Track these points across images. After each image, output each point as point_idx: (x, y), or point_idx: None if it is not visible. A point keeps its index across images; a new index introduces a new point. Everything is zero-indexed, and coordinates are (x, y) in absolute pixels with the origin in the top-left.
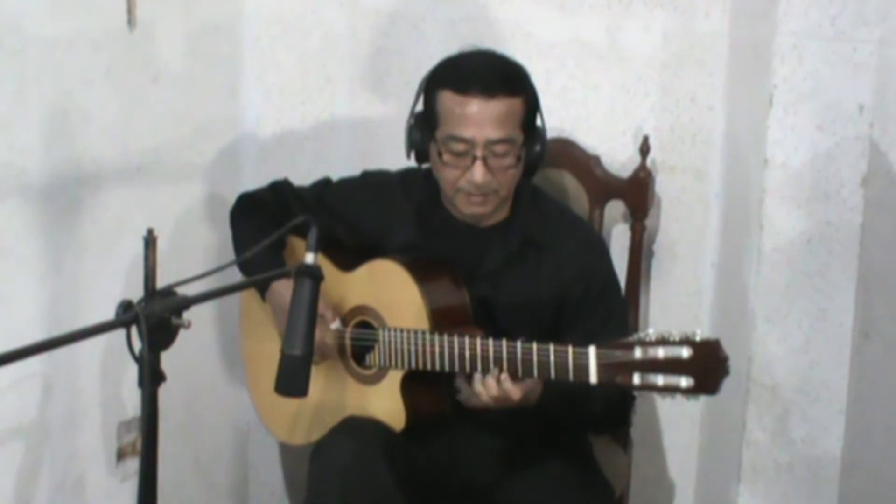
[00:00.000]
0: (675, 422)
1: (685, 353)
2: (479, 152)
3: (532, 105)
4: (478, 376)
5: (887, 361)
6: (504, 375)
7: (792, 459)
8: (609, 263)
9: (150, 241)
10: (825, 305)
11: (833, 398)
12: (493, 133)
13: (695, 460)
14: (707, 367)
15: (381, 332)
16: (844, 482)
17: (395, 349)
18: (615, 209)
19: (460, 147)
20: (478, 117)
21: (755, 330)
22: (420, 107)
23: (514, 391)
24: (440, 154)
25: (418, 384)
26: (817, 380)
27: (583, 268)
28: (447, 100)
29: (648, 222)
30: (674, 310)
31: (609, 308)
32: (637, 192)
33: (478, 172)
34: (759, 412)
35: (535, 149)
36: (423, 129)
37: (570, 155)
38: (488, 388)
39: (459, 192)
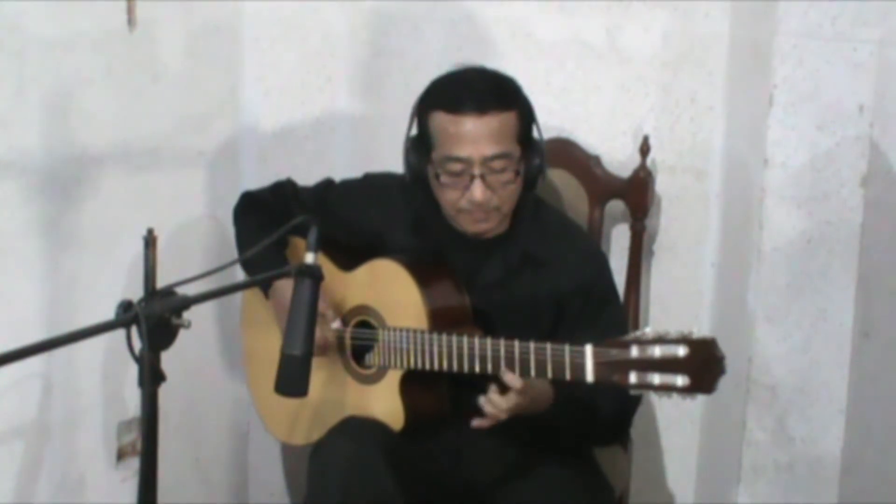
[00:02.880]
0: (675, 422)
1: (681, 351)
2: (476, 170)
3: (526, 117)
4: (483, 400)
5: (887, 361)
6: (505, 369)
7: (792, 459)
8: (608, 276)
9: (150, 241)
10: (825, 305)
11: (833, 398)
12: (488, 149)
13: (695, 460)
14: (703, 365)
15: (380, 332)
16: (844, 482)
17: (395, 349)
18: (615, 209)
19: (457, 167)
20: (472, 135)
21: (755, 330)
22: (414, 131)
23: (516, 381)
24: (438, 176)
25: (417, 384)
26: (817, 380)
27: (581, 282)
28: (440, 120)
29: (648, 222)
30: (674, 310)
31: (607, 322)
32: (637, 192)
33: (477, 191)
34: (759, 412)
35: (533, 162)
36: (419, 152)
37: (570, 155)
38: (496, 403)
39: (461, 213)
